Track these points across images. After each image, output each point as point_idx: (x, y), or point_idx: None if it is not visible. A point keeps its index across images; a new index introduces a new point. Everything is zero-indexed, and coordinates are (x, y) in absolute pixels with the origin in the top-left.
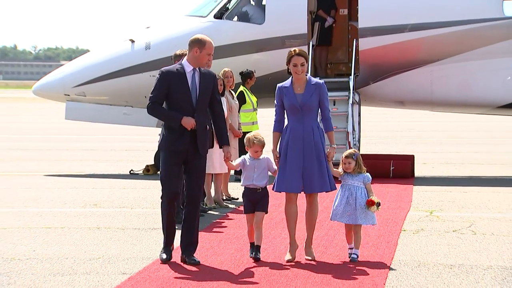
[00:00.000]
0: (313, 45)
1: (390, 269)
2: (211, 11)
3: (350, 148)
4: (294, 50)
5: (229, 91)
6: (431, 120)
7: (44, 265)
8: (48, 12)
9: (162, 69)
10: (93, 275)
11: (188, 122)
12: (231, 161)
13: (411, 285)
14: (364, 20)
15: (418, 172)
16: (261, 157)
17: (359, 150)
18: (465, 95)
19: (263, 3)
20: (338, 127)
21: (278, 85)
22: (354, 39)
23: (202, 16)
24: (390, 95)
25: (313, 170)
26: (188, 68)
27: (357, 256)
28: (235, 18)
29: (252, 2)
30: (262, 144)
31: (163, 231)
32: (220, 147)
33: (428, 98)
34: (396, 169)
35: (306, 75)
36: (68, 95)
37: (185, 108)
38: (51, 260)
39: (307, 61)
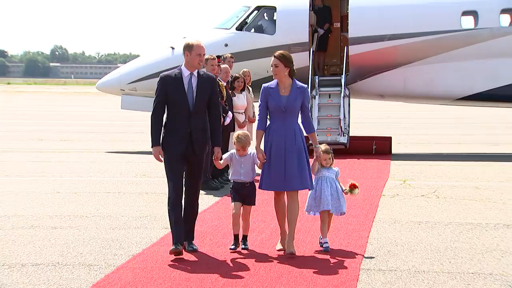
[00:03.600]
0: (313, 51)
1: (373, 225)
2: (234, 24)
3: (341, 131)
4: (276, 52)
5: (247, 87)
6: (405, 110)
7: (105, 221)
8: (108, 25)
9: (161, 74)
10: (143, 229)
11: (154, 154)
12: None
13: (388, 237)
14: (353, 32)
15: (394, 150)
16: (248, 152)
17: (348, 133)
18: (431, 90)
19: (274, 18)
20: (333, 115)
21: (264, 85)
22: (345, 46)
23: (226, 28)
24: (373, 90)
25: (294, 169)
26: (186, 72)
27: (328, 245)
28: (252, 29)
29: (266, 17)
30: (242, 145)
31: (171, 229)
32: (212, 147)
33: (402, 92)
34: (377, 147)
35: (292, 78)
36: (123, 90)
37: (182, 111)
38: (111, 217)
39: (285, 66)
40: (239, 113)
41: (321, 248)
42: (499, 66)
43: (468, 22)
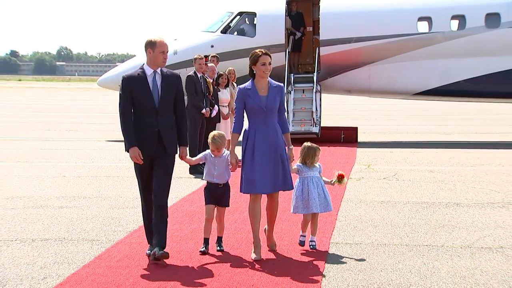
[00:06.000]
0: (288, 52)
1: (341, 204)
2: (219, 28)
3: (314, 122)
4: (260, 51)
5: (232, 83)
6: (369, 103)
7: (106, 201)
8: (108, 28)
9: (124, 75)
10: (139, 208)
11: (132, 155)
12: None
13: (354, 215)
14: (324, 35)
15: (360, 139)
16: (223, 153)
17: (320, 124)
18: (391, 85)
19: (254, 22)
20: (306, 108)
21: (240, 87)
22: (317, 48)
23: (212, 32)
24: (341, 86)
25: (278, 169)
26: (149, 71)
27: (315, 243)
28: (235, 32)
29: (247, 22)
30: (217, 146)
31: (145, 229)
32: (179, 146)
33: (367, 88)
34: (345, 136)
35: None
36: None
37: (148, 110)
38: (110, 198)
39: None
40: (223, 106)
41: (300, 246)
42: (449, 65)
43: (423, 26)
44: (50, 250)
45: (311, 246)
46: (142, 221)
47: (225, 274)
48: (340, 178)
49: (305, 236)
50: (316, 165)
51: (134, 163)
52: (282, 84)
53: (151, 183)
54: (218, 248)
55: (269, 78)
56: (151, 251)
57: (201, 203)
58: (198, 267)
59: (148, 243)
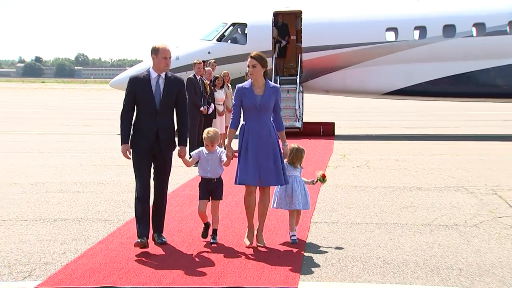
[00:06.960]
0: (275, 57)
1: (320, 189)
2: (215, 37)
3: (297, 118)
4: (251, 53)
5: (227, 84)
6: (345, 102)
7: (117, 187)
8: (119, 37)
9: (130, 75)
10: None
11: (123, 151)
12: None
13: (332, 198)
14: (305, 42)
15: (337, 132)
16: (216, 149)
17: (302, 119)
18: (363, 86)
19: (246, 32)
20: (290, 106)
21: (238, 85)
22: (300, 54)
23: (209, 40)
24: (321, 87)
25: (270, 165)
26: (153, 74)
27: (296, 237)
28: (229, 41)
29: (239, 31)
30: (211, 140)
31: (136, 222)
32: (178, 146)
33: (342, 88)
34: (324, 130)
35: (266, 79)
36: None
37: (149, 111)
38: (121, 184)
39: (262, 66)
40: (219, 104)
41: (289, 241)
42: (413, 69)
43: (390, 36)
44: (69, 229)
45: (293, 240)
46: (134, 212)
47: (219, 250)
48: (323, 177)
49: (295, 234)
50: (300, 166)
51: (133, 159)
52: (278, 86)
53: (147, 176)
54: (212, 240)
55: (267, 79)
56: (140, 240)
57: None
58: (196, 244)
59: (138, 236)
